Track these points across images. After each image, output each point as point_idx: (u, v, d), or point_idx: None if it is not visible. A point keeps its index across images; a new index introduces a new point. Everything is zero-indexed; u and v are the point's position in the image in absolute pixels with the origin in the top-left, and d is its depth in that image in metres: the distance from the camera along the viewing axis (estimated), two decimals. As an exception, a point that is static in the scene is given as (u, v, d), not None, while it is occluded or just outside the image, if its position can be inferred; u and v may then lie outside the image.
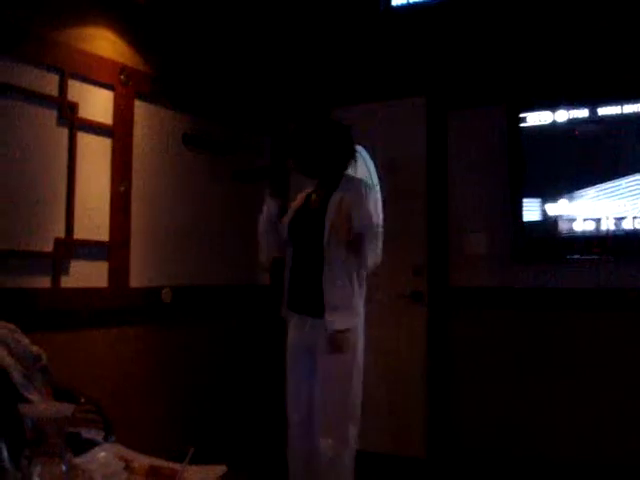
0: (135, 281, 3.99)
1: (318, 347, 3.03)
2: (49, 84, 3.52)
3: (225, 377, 4.55)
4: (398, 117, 4.61)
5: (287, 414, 3.20)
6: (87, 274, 3.70)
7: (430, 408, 4.37)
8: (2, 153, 3.29)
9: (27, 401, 2.32)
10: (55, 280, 3.51)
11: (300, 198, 3.30)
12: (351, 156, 3.25)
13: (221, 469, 1.76)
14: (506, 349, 4.16)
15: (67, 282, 3.57)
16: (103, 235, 3.81)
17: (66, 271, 3.58)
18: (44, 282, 3.47)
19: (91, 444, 2.29)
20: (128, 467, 1.77)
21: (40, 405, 1.52)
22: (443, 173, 4.46)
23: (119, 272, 3.89)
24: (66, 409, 1.36)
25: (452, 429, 4.30)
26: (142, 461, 1.83)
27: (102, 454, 1.86)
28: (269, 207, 3.22)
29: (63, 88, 3.56)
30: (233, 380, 4.61)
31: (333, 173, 3.19)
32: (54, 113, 3.53)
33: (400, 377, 4.46)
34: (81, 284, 3.65)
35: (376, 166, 4.69)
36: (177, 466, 1.79)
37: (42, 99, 3.47)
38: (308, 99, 4.94)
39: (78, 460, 1.85)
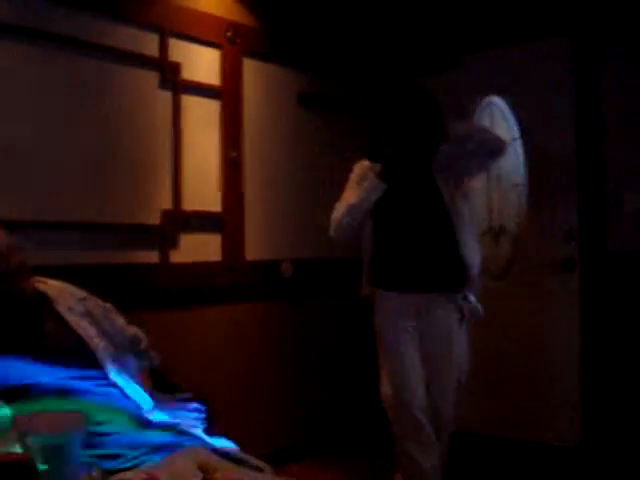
0: (251, 254, 3.71)
1: (435, 330, 2.87)
2: (149, 44, 3.28)
3: (353, 355, 4.17)
4: (537, 62, 3.99)
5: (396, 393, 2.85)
6: (198, 248, 3.46)
7: (584, 393, 3.79)
8: (100, 119, 3.09)
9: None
10: (164, 255, 3.29)
11: (366, 169, 2.93)
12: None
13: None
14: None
15: (177, 257, 3.35)
16: (214, 205, 3.55)
17: (175, 245, 3.35)
18: (152, 257, 3.27)
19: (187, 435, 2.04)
20: (207, 479, 1.46)
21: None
22: (597, 123, 3.82)
23: (233, 245, 3.62)
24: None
25: (610, 416, 3.71)
26: (226, 471, 1.51)
27: (181, 461, 1.55)
28: (377, 190, 2.84)
29: (164, 48, 3.30)
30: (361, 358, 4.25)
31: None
32: (155, 75, 3.29)
33: (549, 357, 3.90)
34: (192, 258, 3.42)
35: (516, 118, 4.12)
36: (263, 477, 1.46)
37: (142, 60, 3.24)
38: (436, 48, 4.42)
39: (152, 466, 1.57)
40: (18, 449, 1.16)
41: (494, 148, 2.91)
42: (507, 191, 4.18)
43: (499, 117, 4.22)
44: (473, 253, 2.85)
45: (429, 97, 2.88)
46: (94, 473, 1.14)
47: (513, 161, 4.15)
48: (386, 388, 2.91)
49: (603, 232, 3.80)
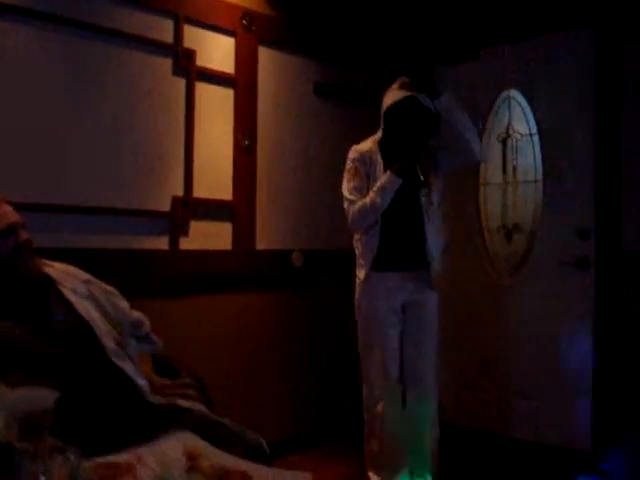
0: (262, 243, 3.70)
1: (419, 301, 3.19)
2: (163, 30, 3.27)
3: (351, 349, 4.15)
4: (558, 55, 3.93)
5: (378, 374, 3.13)
6: (209, 235, 3.46)
7: (596, 396, 3.74)
8: (113, 105, 3.09)
9: (117, 369, 2.13)
10: (173, 242, 3.29)
11: (367, 157, 3.16)
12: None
13: (304, 478, 1.39)
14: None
15: (186, 244, 3.35)
16: (226, 194, 3.54)
17: (185, 232, 3.35)
18: (161, 243, 3.27)
19: (190, 414, 2.07)
20: (194, 467, 1.45)
21: (13, 394, 1.20)
22: (616, 118, 3.75)
23: (244, 234, 3.61)
24: (45, 399, 1.04)
25: (621, 422, 3.66)
26: (214, 459, 1.50)
27: (168, 446, 1.55)
28: (394, 187, 3.05)
29: (178, 34, 3.29)
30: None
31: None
32: (169, 61, 3.28)
33: (560, 355, 3.84)
34: (202, 246, 3.41)
35: (534, 113, 4.05)
36: (249, 467, 1.46)
37: (156, 46, 3.23)
38: (454, 41, 4.36)
39: (141, 449, 1.57)
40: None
41: (473, 154, 3.16)
42: (523, 187, 4.13)
43: (517, 111, 4.17)
44: (434, 249, 3.17)
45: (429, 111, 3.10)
46: (72, 456, 1.14)
47: (530, 157, 4.10)
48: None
49: (619, 232, 3.74)
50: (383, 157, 3.14)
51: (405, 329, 3.21)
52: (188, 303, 3.31)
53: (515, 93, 4.15)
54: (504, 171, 4.21)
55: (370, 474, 3.17)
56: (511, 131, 4.19)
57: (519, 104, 4.15)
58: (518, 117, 4.16)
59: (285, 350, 3.83)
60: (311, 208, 3.97)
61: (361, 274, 3.18)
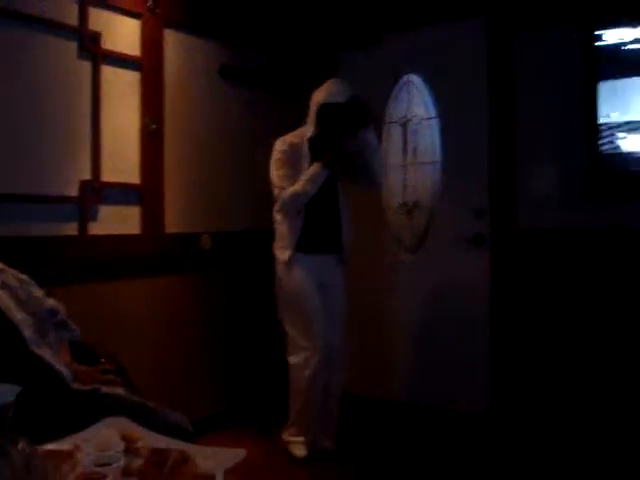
0: (171, 227, 3.72)
1: (334, 280, 3.52)
2: (68, 13, 3.21)
3: (264, 327, 4.25)
4: (455, 42, 4.12)
5: (309, 341, 3.39)
6: (117, 220, 3.45)
7: (492, 360, 4.00)
8: (20, 89, 3.02)
9: (37, 358, 2.15)
10: (82, 227, 3.27)
11: (295, 149, 3.42)
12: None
13: (237, 453, 1.47)
14: (581, 297, 3.73)
15: (95, 229, 3.33)
16: (134, 177, 3.53)
17: (94, 217, 3.33)
18: (70, 229, 3.24)
19: (109, 399, 2.09)
20: (130, 448, 1.51)
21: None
22: (508, 103, 3.98)
23: (153, 217, 3.62)
24: (6, 394, 1.07)
25: (516, 382, 3.94)
26: (149, 441, 1.56)
27: (103, 431, 1.59)
28: (322, 178, 3.34)
29: (83, 17, 3.24)
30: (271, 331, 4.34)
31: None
32: (74, 44, 3.23)
33: (461, 327, 4.08)
34: (111, 231, 3.40)
35: (433, 97, 4.24)
36: (184, 446, 1.52)
37: (61, 29, 3.17)
38: (357, 26, 4.48)
39: (76, 437, 1.60)
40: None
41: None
42: (422, 167, 4.32)
43: (417, 95, 4.33)
44: (347, 234, 3.53)
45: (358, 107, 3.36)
46: (21, 444, 1.17)
47: (429, 139, 4.28)
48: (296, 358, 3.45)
49: (513, 210, 3.98)
50: (310, 150, 3.40)
51: (324, 304, 3.46)
52: (101, 288, 3.30)
53: (415, 78, 4.31)
54: (404, 152, 4.37)
55: (291, 437, 3.49)
56: (411, 115, 4.36)
57: (418, 88, 4.31)
58: (417, 101, 4.33)
59: (199, 331, 3.87)
60: (219, 191, 4.01)
61: (284, 255, 3.42)
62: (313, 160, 3.36)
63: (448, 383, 4.10)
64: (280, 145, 3.43)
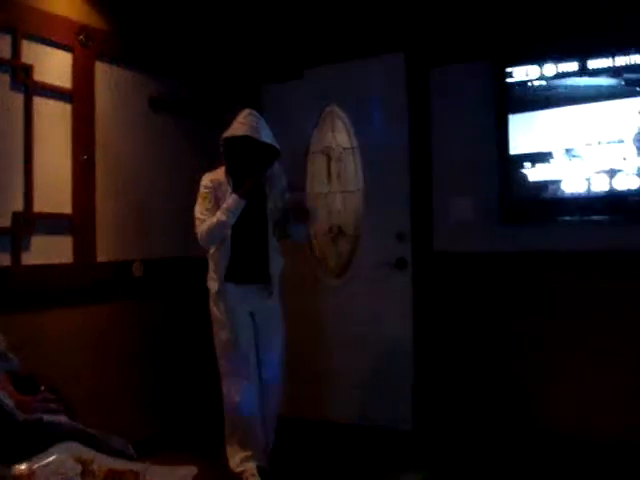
0: (103, 255, 3.77)
1: (264, 310, 3.58)
2: (1, 45, 3.24)
3: (196, 351, 4.33)
4: (376, 75, 4.36)
5: (240, 371, 3.48)
6: (50, 250, 3.49)
7: (416, 379, 4.21)
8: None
9: None
10: (15, 257, 3.29)
11: (218, 185, 3.51)
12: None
13: (190, 470, 1.58)
14: (495, 316, 3.99)
15: (29, 259, 3.36)
16: (66, 208, 3.58)
17: (27, 247, 3.35)
18: (3, 260, 3.25)
19: (54, 427, 2.16)
20: (86, 471, 1.59)
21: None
22: (426, 134, 4.23)
23: (85, 246, 3.66)
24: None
25: (439, 400, 4.15)
26: (102, 463, 1.65)
27: (58, 457, 1.67)
28: (239, 208, 3.41)
29: (16, 49, 3.29)
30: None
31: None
32: (7, 76, 3.27)
33: (385, 347, 4.28)
34: (44, 261, 3.43)
35: (355, 127, 4.45)
36: (139, 467, 1.62)
37: (-7, 61, 3.21)
38: (280, 60, 4.67)
39: (30, 462, 1.67)
40: None
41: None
42: (346, 195, 4.50)
43: (339, 125, 4.53)
44: (275, 265, 3.60)
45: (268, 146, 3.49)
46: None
47: (351, 167, 4.48)
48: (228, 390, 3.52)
49: (430, 234, 4.22)
50: (230, 183, 3.50)
51: (257, 333, 3.55)
52: (34, 318, 3.31)
53: (337, 109, 4.51)
54: (329, 180, 4.56)
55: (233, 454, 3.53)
56: (334, 144, 4.55)
57: (340, 119, 4.51)
58: (339, 131, 4.52)
59: (134, 357, 3.93)
60: (149, 218, 4.09)
61: (214, 286, 3.51)
62: (233, 191, 3.46)
63: (377, 403, 4.28)
64: (204, 181, 3.54)
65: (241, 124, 3.43)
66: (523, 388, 3.88)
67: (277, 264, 3.61)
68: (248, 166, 3.47)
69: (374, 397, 4.31)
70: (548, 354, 3.81)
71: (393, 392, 4.26)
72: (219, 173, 3.55)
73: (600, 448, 3.57)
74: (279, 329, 3.66)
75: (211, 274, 3.55)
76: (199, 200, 3.50)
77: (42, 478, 1.53)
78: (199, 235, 3.45)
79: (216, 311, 3.53)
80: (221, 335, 3.52)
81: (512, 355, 3.92)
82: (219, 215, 3.39)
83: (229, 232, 3.44)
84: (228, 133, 3.46)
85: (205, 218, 3.42)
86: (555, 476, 3.53)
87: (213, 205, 3.45)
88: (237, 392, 3.48)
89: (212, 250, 3.53)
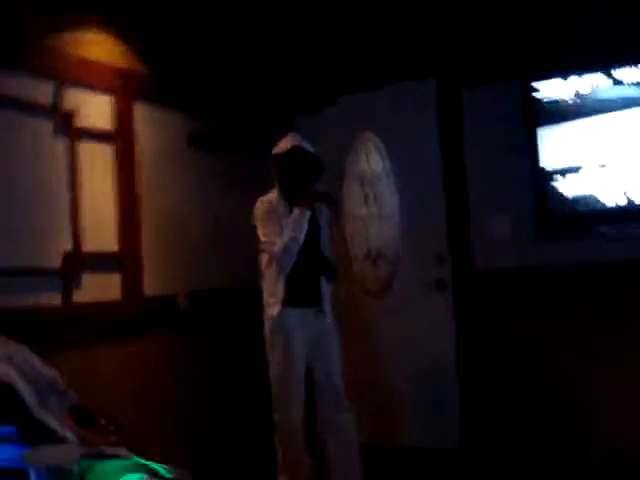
0: (149, 290, 3.87)
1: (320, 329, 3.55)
2: (43, 93, 3.38)
3: (245, 382, 4.41)
4: (407, 100, 4.43)
5: (289, 416, 3.45)
6: (100, 287, 3.59)
7: (463, 399, 4.22)
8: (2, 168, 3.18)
9: (41, 423, 2.29)
10: (66, 296, 3.39)
11: (275, 206, 3.52)
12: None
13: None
14: (539, 332, 3.99)
15: (79, 297, 3.46)
16: (113, 245, 3.69)
17: (78, 285, 3.46)
18: (55, 299, 3.36)
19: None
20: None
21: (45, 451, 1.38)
22: (459, 154, 4.29)
23: (132, 282, 3.77)
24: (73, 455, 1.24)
25: (486, 420, 4.15)
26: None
27: None
28: (305, 219, 3.42)
29: (58, 96, 3.42)
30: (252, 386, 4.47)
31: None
32: (50, 123, 3.40)
33: (430, 369, 4.30)
34: (94, 298, 3.54)
35: (389, 152, 4.52)
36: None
37: (37, 109, 3.34)
38: (314, 90, 4.77)
39: None
40: None
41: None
42: (383, 219, 4.56)
43: (373, 150, 4.60)
44: (325, 287, 3.62)
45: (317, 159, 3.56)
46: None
47: (387, 191, 4.54)
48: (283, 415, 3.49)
49: (469, 254, 4.25)
50: (284, 201, 3.52)
51: (314, 355, 3.55)
52: (86, 353, 3.40)
53: (370, 135, 4.58)
54: (366, 205, 4.62)
55: None
56: (368, 169, 4.62)
57: (374, 144, 4.59)
58: (374, 156, 4.60)
59: (182, 390, 4.00)
60: (193, 252, 4.18)
61: (274, 310, 3.46)
62: (290, 209, 3.45)
63: (425, 424, 4.29)
64: (260, 204, 3.53)
65: (287, 141, 3.52)
66: (570, 405, 3.87)
67: (327, 286, 3.61)
68: (299, 179, 3.48)
69: (420, 417, 4.32)
70: (596, 370, 3.79)
71: (438, 412, 4.27)
72: (271, 196, 3.56)
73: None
74: (336, 349, 3.61)
75: (268, 300, 3.51)
76: (260, 224, 3.49)
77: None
78: (275, 257, 3.42)
79: (274, 338, 3.50)
80: (278, 362, 3.49)
81: (560, 372, 3.91)
82: (288, 233, 3.38)
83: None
84: (277, 149, 3.53)
85: (273, 240, 3.41)
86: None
87: (275, 226, 3.44)
88: (284, 418, 3.48)
89: (267, 276, 3.51)
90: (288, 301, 3.46)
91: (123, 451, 2.37)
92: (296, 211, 3.41)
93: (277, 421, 3.53)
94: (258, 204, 3.54)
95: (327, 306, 3.59)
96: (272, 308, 3.49)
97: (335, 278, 3.67)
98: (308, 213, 3.42)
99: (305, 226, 3.41)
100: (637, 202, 3.68)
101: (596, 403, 3.78)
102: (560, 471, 3.74)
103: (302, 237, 3.41)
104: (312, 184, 3.50)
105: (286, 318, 3.46)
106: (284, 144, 3.52)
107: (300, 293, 3.50)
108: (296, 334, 3.48)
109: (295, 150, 3.48)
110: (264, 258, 3.52)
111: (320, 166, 3.57)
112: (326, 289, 3.61)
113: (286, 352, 3.46)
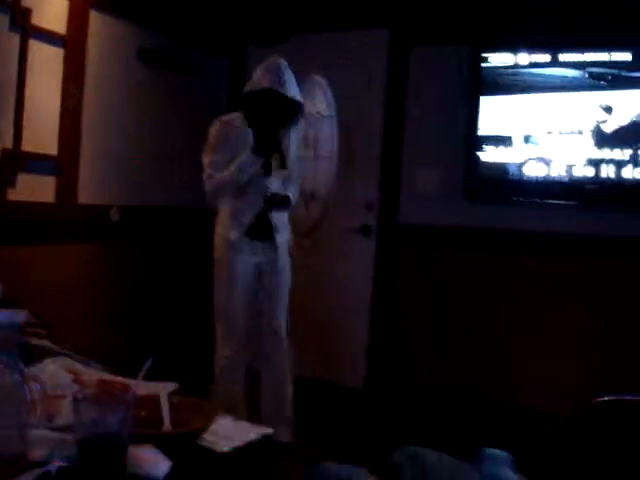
0: (84, 198, 3.92)
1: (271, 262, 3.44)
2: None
3: (168, 297, 4.56)
4: (360, 48, 4.54)
5: (231, 328, 3.40)
6: (34, 189, 3.62)
7: (371, 340, 4.48)
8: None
9: None
10: (1, 192, 3.42)
11: (235, 129, 3.28)
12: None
13: (171, 386, 1.78)
14: (451, 287, 4.26)
15: (14, 195, 3.49)
16: (52, 149, 3.71)
17: (13, 184, 3.48)
18: (-11, 193, 3.39)
19: (41, 350, 2.33)
20: (77, 380, 1.78)
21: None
22: (400, 108, 4.45)
23: (67, 187, 3.81)
24: (18, 317, 1.36)
25: (391, 362, 4.42)
26: (91, 375, 1.84)
27: (51, 366, 1.86)
28: (252, 164, 3.22)
29: (16, -8, 3.39)
30: (176, 300, 4.63)
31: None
32: (6, 18, 3.37)
33: (346, 308, 4.54)
34: (28, 198, 3.57)
35: (333, 97, 4.63)
36: (127, 380, 1.81)
37: (-5, 3, 3.31)
38: (268, 21, 4.82)
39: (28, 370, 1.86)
40: None
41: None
42: (320, 161, 4.70)
43: (319, 93, 4.70)
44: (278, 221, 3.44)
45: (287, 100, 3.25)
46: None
47: (328, 134, 4.67)
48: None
49: (396, 206, 4.46)
50: (251, 134, 3.27)
51: (260, 289, 3.49)
52: (14, 251, 3.45)
53: (318, 78, 4.67)
54: (306, 146, 4.74)
55: None
56: (313, 111, 4.72)
57: (321, 87, 4.68)
58: (319, 99, 4.69)
59: (103, 296, 4.10)
60: (131, 166, 4.24)
61: (232, 234, 3.35)
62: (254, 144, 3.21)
63: (332, 359, 4.54)
64: (215, 128, 3.29)
65: (262, 77, 3.19)
66: (471, 356, 4.17)
67: (281, 220, 3.47)
68: (269, 124, 3.24)
69: (330, 352, 4.56)
70: (500, 327, 4.10)
71: (347, 350, 4.52)
72: (234, 117, 3.31)
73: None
74: (285, 286, 3.54)
75: (230, 222, 3.36)
76: (208, 150, 3.28)
77: (38, 381, 1.71)
78: (207, 191, 3.28)
79: (224, 260, 3.39)
80: (222, 288, 3.40)
81: (464, 324, 4.20)
82: (231, 172, 3.20)
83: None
84: (249, 86, 3.24)
85: (213, 173, 3.23)
86: (497, 441, 3.79)
87: (223, 157, 3.22)
88: (231, 350, 3.41)
89: (231, 200, 3.35)
90: (240, 230, 3.34)
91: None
92: (247, 155, 3.19)
93: (218, 342, 3.46)
94: (215, 124, 3.30)
95: (280, 240, 3.44)
96: (231, 232, 3.36)
97: (286, 209, 3.47)
98: (259, 161, 3.22)
99: (251, 172, 3.21)
100: (556, 177, 3.95)
101: (500, 359, 4.09)
102: (459, 417, 4.01)
103: (243, 180, 3.23)
104: (285, 131, 3.30)
105: (242, 245, 3.36)
106: (258, 80, 3.21)
107: (253, 225, 3.35)
108: (245, 263, 3.38)
109: (269, 93, 3.17)
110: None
111: (297, 111, 3.31)
112: (281, 223, 3.45)
113: (232, 279, 3.38)
